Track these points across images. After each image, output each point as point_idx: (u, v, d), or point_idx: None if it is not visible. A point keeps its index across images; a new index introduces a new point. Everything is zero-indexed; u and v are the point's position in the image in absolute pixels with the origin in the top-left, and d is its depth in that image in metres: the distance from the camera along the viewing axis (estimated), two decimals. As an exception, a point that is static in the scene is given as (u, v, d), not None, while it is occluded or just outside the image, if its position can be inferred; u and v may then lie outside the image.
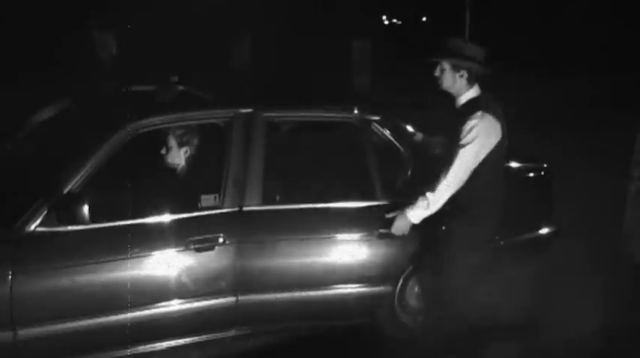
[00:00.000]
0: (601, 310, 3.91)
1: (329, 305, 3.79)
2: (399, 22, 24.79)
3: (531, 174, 4.52)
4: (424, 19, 23.54)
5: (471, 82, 3.70)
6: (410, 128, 4.25)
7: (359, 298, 3.82)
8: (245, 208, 3.62)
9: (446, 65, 3.69)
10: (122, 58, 5.62)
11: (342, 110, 4.02)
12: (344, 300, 3.80)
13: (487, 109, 3.59)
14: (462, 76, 3.67)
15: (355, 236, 3.78)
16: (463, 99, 3.70)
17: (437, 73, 3.73)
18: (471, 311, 3.71)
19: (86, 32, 5.59)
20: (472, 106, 3.64)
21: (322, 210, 3.79)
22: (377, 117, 4.04)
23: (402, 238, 3.71)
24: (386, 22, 24.00)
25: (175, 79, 4.30)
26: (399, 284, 3.93)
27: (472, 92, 3.71)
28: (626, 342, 3.73)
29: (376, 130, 4.02)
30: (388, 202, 3.82)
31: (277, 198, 3.88)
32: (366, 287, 3.81)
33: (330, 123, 4.12)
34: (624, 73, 13.40)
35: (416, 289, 4.03)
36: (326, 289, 3.75)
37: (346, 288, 3.78)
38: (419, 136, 4.24)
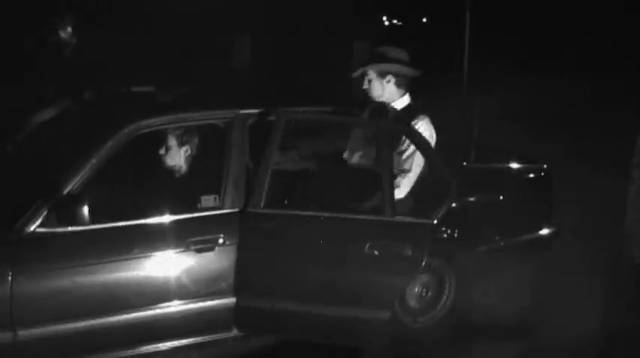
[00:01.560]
0: (601, 310, 3.91)
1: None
2: (400, 23, 24.75)
3: (531, 175, 4.52)
4: (424, 19, 23.51)
5: (400, 87, 3.70)
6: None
7: None
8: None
9: (372, 74, 3.68)
10: (83, 59, 5.48)
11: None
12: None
13: (424, 112, 3.64)
14: (389, 82, 3.66)
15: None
16: (397, 106, 3.71)
17: (365, 86, 3.72)
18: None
19: (47, 33, 5.50)
20: (407, 113, 3.65)
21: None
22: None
23: None
24: (386, 23, 23.96)
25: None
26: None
27: (405, 99, 3.72)
28: (626, 342, 3.72)
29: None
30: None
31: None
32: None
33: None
34: (626, 74, 13.40)
35: (415, 289, 4.04)
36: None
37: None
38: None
